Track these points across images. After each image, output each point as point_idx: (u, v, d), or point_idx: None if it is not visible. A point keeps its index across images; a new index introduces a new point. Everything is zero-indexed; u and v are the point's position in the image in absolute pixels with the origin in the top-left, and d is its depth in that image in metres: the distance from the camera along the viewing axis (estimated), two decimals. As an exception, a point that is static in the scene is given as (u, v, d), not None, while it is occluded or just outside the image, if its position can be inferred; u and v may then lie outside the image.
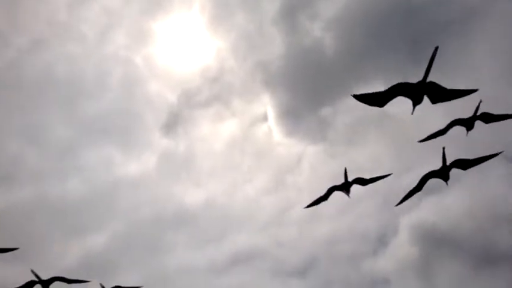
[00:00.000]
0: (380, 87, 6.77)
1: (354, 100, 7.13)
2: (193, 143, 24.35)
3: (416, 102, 6.96)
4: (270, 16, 24.67)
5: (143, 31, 25.26)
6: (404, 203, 10.18)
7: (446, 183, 9.64)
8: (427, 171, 9.58)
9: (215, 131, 24.93)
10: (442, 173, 9.48)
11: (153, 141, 23.94)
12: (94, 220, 20.38)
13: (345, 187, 10.54)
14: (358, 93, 7.04)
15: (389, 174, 10.46)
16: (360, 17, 23.00)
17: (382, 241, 21.92)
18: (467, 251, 20.03)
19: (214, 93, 24.96)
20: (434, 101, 6.98)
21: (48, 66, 23.15)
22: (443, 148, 9.24)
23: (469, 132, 9.06)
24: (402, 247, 21.36)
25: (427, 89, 6.78)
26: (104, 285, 11.46)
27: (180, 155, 23.88)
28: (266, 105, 25.60)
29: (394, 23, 22.40)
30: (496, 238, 19.19)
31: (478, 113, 9.01)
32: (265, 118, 25.54)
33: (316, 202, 10.84)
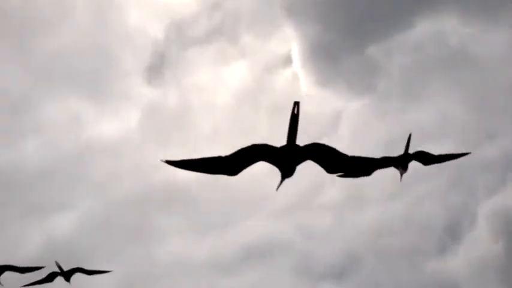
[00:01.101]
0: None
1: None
2: (187, 95, 21.47)
3: (285, 174, 5.51)
4: None
5: None
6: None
7: None
8: None
9: (217, 78, 21.94)
10: None
11: (134, 92, 21.27)
12: (59, 196, 17.81)
13: (402, 162, 9.04)
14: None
15: (466, 153, 9.05)
16: None
17: (452, 234, 18.98)
18: None
19: (215, 24, 21.47)
20: (330, 170, 5.63)
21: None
22: None
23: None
24: (480, 242, 18.57)
25: (307, 155, 5.43)
26: (62, 265, 11.36)
27: (170, 110, 21.03)
28: (289, 41, 22.01)
29: None
30: None
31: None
32: (288, 60, 21.86)
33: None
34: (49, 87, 20.07)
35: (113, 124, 20.05)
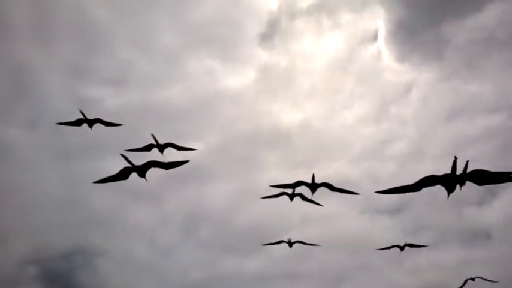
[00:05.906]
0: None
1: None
2: (293, 58, 24.79)
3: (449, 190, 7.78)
4: None
5: None
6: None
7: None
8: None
9: (318, 45, 26.20)
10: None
11: (253, 55, 25.86)
12: (193, 128, 20.98)
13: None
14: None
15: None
16: None
17: (490, 191, 21.45)
18: None
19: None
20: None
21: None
22: None
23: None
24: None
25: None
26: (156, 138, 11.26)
27: (279, 70, 24.13)
28: (377, 19, 25.92)
29: None
30: None
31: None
32: (374, 37, 25.05)
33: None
34: (193, 46, 24.96)
35: (236, 79, 24.07)
